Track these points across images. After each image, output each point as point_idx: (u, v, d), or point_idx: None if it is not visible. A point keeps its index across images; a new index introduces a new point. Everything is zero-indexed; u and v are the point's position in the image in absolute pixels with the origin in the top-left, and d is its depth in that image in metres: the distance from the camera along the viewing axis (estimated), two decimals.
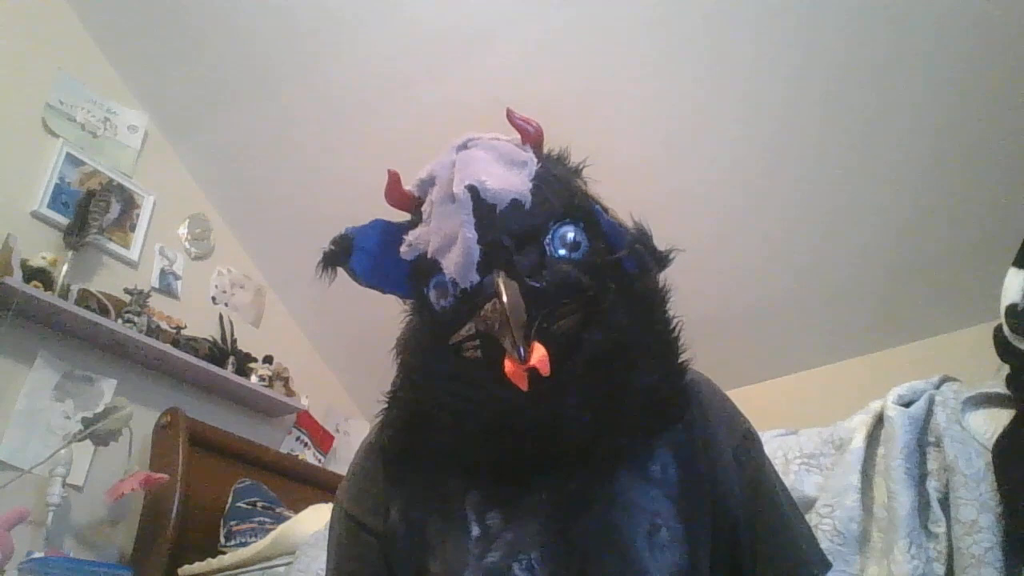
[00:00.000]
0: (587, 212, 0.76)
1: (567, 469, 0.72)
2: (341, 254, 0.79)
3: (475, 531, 0.73)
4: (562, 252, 0.73)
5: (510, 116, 0.80)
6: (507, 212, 0.72)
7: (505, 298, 0.66)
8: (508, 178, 0.74)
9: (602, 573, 0.69)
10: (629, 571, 0.69)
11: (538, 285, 0.69)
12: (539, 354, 0.65)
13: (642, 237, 0.76)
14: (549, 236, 0.73)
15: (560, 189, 0.76)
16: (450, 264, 0.71)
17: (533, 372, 0.65)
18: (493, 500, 0.73)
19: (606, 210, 0.78)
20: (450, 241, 0.72)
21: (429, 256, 0.74)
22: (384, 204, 0.83)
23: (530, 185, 0.74)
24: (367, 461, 0.84)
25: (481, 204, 0.71)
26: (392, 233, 0.80)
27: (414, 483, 0.78)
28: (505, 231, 0.71)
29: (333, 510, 0.86)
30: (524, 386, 0.65)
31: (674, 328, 0.78)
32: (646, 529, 0.71)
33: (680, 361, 0.77)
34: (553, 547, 0.70)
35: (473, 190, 0.71)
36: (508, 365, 0.66)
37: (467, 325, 0.71)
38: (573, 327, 0.69)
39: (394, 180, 0.81)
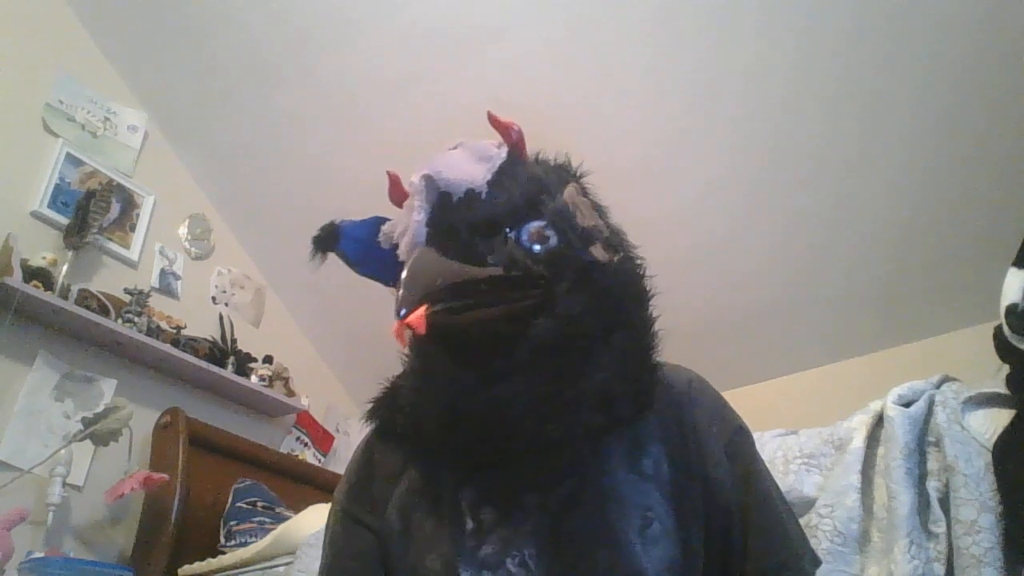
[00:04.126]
0: (557, 210, 0.77)
1: (557, 465, 0.73)
2: (328, 239, 0.84)
3: (469, 525, 0.74)
4: (535, 248, 0.74)
5: (491, 119, 0.82)
6: (463, 201, 0.75)
7: (412, 268, 0.70)
8: (467, 170, 0.77)
9: (595, 568, 0.70)
10: (621, 565, 0.70)
11: (491, 270, 0.72)
12: (416, 313, 0.68)
13: (605, 224, 0.79)
14: (515, 229, 0.75)
15: (527, 184, 0.78)
16: (403, 246, 0.76)
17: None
18: (487, 496, 0.75)
19: (601, 209, 0.80)
20: (407, 226, 0.76)
21: (395, 242, 0.79)
22: (383, 203, 0.85)
23: (489, 177, 0.77)
24: (364, 459, 0.86)
25: (436, 192, 0.75)
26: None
27: (410, 480, 0.80)
28: (462, 219, 0.74)
29: (330, 507, 0.87)
30: (402, 343, 0.72)
31: (647, 329, 0.78)
32: (638, 523, 0.72)
33: (649, 360, 0.77)
34: (546, 544, 0.71)
35: (428, 179, 0.75)
36: (395, 326, 0.70)
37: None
38: (520, 313, 0.71)
39: (394, 181, 0.84)
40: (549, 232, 0.75)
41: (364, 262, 0.85)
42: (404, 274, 0.70)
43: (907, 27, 1.89)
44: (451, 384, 0.72)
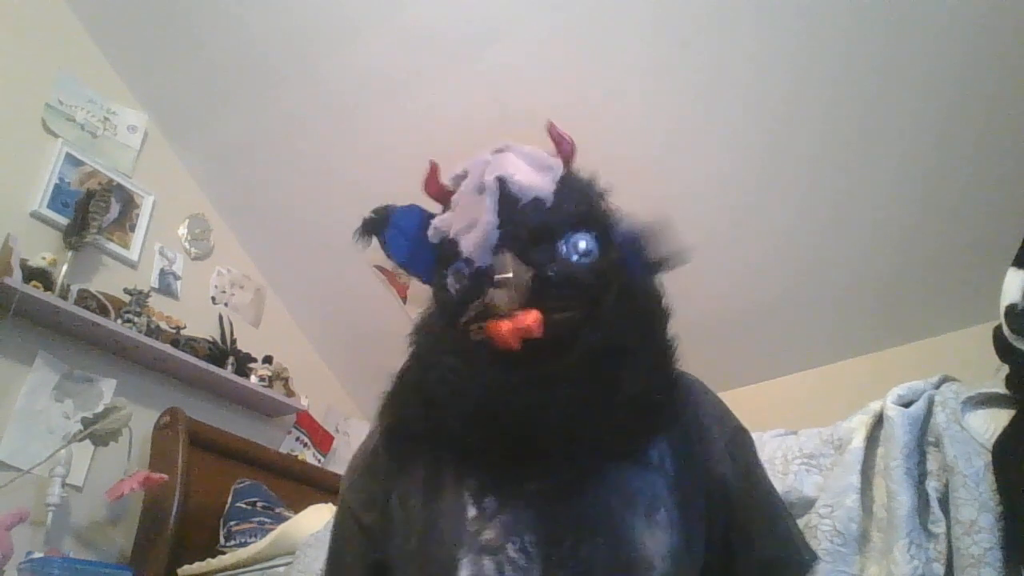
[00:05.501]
0: (602, 223, 0.81)
1: (562, 458, 0.74)
2: (379, 223, 0.85)
3: (471, 512, 0.75)
4: (574, 257, 0.77)
5: (550, 129, 0.85)
6: (528, 208, 0.77)
7: (510, 270, 0.71)
8: (534, 177, 0.79)
9: (595, 553, 0.71)
10: (623, 551, 0.72)
11: (546, 275, 0.73)
12: (533, 315, 0.69)
13: (645, 239, 0.81)
14: (564, 240, 0.77)
15: (580, 198, 0.81)
16: (468, 243, 0.77)
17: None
18: (490, 486, 0.76)
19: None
20: (472, 224, 0.77)
21: (451, 236, 0.79)
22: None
23: (553, 188, 0.79)
24: (368, 451, 0.88)
25: (506, 195, 0.77)
26: (427, 221, 0.85)
27: (414, 471, 0.82)
28: (524, 224, 0.76)
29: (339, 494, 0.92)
30: (516, 344, 0.69)
31: (671, 342, 0.81)
32: (644, 509, 0.74)
33: (673, 374, 0.81)
34: (548, 530, 0.73)
35: (501, 181, 0.77)
36: (504, 324, 0.70)
37: (475, 303, 0.75)
38: (572, 322, 0.72)
39: (433, 171, 0.86)
40: (593, 247, 0.78)
41: (405, 254, 0.86)
42: (501, 275, 0.71)
43: (907, 28, 1.89)
44: (492, 383, 0.72)
